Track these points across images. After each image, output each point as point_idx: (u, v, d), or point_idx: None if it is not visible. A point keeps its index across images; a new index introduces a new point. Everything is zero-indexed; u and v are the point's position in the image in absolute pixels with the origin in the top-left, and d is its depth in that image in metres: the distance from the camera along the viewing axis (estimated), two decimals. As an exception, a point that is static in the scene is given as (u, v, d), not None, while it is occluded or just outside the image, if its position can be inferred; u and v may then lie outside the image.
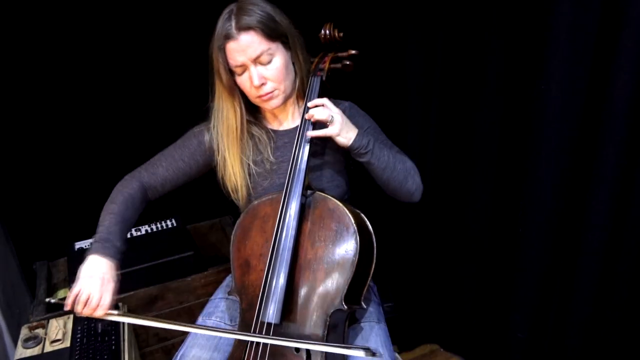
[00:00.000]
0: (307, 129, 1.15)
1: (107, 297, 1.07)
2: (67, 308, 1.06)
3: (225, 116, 1.21)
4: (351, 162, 1.28)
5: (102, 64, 1.80)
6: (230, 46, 1.10)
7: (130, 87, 1.86)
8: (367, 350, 0.99)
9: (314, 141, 1.19)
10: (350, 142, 1.14)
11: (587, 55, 1.27)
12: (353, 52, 1.27)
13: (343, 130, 1.13)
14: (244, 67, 1.12)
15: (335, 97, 1.33)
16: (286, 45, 1.15)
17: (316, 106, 1.14)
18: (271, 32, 1.11)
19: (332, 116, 1.11)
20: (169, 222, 1.95)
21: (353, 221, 1.09)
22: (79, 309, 1.05)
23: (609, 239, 1.34)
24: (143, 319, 1.09)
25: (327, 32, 1.27)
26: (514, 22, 1.41)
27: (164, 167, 1.26)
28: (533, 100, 1.38)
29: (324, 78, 1.23)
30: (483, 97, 1.55)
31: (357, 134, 1.14)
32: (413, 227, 1.86)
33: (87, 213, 1.97)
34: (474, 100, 1.58)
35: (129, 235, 1.88)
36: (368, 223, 1.16)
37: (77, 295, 1.05)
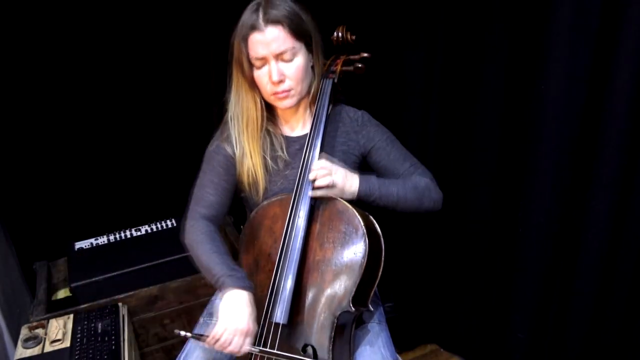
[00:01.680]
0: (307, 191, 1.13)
1: (248, 341, 1.06)
2: (208, 346, 1.05)
3: (246, 107, 1.20)
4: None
5: (101, 64, 1.80)
6: (255, 37, 1.09)
7: (130, 87, 1.86)
8: None
9: (323, 149, 1.19)
10: (355, 195, 1.14)
11: (587, 55, 1.27)
12: (365, 54, 1.27)
13: (345, 188, 1.13)
14: (265, 61, 1.12)
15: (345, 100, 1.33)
16: (309, 47, 1.15)
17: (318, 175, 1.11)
18: (297, 30, 1.10)
19: (333, 180, 1.11)
20: (169, 222, 1.95)
21: (362, 223, 1.09)
22: (218, 349, 1.05)
23: (609, 238, 1.34)
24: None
25: (340, 34, 1.27)
26: (513, 23, 1.41)
27: (213, 195, 1.22)
28: (533, 100, 1.38)
29: (335, 80, 1.23)
30: (483, 97, 1.55)
31: (360, 184, 1.14)
32: (413, 227, 1.86)
33: (87, 213, 1.98)
34: (474, 100, 1.58)
35: (128, 235, 1.88)
36: (377, 225, 1.16)
37: (219, 338, 1.03)
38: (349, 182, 1.14)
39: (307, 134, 1.22)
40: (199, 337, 1.06)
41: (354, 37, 1.28)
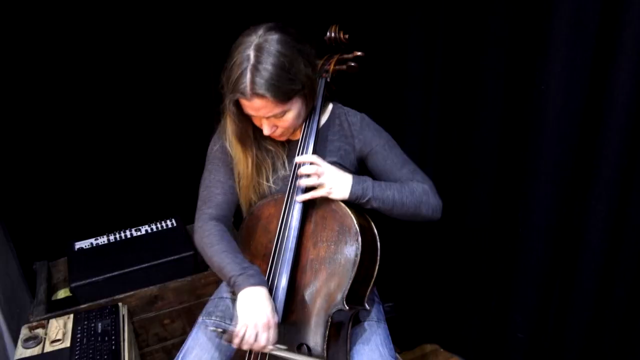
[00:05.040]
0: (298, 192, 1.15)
1: (273, 334, 1.05)
2: (235, 346, 1.05)
3: (237, 160, 1.21)
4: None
5: (101, 64, 1.80)
6: (244, 102, 1.09)
7: (130, 87, 1.86)
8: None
9: (316, 149, 1.20)
10: (347, 195, 1.13)
11: (587, 55, 1.26)
12: (358, 53, 1.28)
13: (335, 188, 1.12)
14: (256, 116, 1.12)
15: (335, 97, 1.34)
16: (302, 95, 1.12)
17: (307, 163, 1.13)
18: (285, 96, 1.07)
19: (322, 180, 1.11)
20: (168, 222, 1.95)
21: (355, 222, 1.09)
22: (245, 347, 1.05)
23: (609, 238, 1.34)
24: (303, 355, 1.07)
25: (333, 34, 1.28)
26: (514, 23, 1.41)
27: (220, 194, 1.23)
28: (533, 100, 1.38)
29: (328, 79, 1.24)
30: (483, 97, 1.55)
31: (352, 185, 1.13)
32: (413, 227, 1.86)
33: (87, 213, 1.98)
34: (474, 100, 1.58)
35: (128, 235, 1.89)
36: (372, 224, 1.16)
37: (243, 336, 1.03)
38: (340, 181, 1.13)
39: None
40: (224, 334, 1.06)
41: (347, 36, 1.29)
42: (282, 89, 1.05)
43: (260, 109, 1.07)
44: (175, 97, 1.92)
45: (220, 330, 1.10)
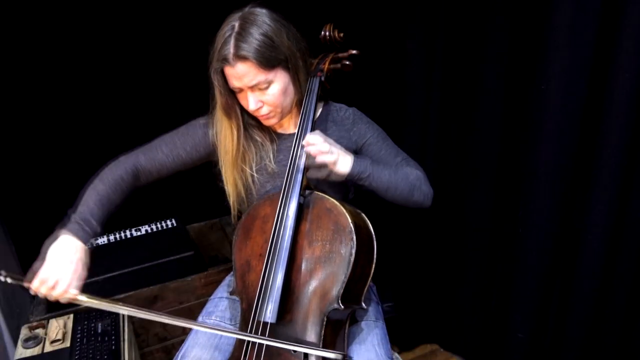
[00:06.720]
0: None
1: (75, 284, 1.02)
2: (30, 288, 1.00)
3: (224, 135, 1.21)
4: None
5: (101, 64, 1.80)
6: (228, 71, 1.10)
7: (130, 87, 1.86)
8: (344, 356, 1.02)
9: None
10: (347, 171, 1.13)
11: (587, 55, 1.26)
12: (353, 52, 1.28)
13: (339, 162, 1.12)
14: (242, 89, 1.12)
15: (335, 97, 1.34)
16: (286, 68, 1.13)
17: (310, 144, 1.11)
18: (268, 62, 1.08)
19: (329, 147, 1.10)
20: (168, 222, 1.95)
21: (350, 220, 1.09)
22: (42, 291, 1.00)
23: (609, 239, 1.34)
24: (105, 302, 1.03)
25: (327, 33, 1.28)
26: (514, 22, 1.41)
27: (164, 153, 1.23)
28: (533, 100, 1.38)
29: (322, 78, 1.24)
30: (483, 96, 1.55)
31: (353, 163, 1.14)
32: (413, 227, 1.86)
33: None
34: (474, 99, 1.58)
35: (128, 235, 1.88)
36: (368, 223, 1.16)
37: (43, 278, 0.99)
38: (343, 155, 1.13)
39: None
40: (21, 280, 1.00)
41: (341, 35, 1.29)
42: (265, 55, 1.07)
43: (244, 76, 1.08)
44: (175, 97, 1.92)
45: (17, 277, 1.02)
